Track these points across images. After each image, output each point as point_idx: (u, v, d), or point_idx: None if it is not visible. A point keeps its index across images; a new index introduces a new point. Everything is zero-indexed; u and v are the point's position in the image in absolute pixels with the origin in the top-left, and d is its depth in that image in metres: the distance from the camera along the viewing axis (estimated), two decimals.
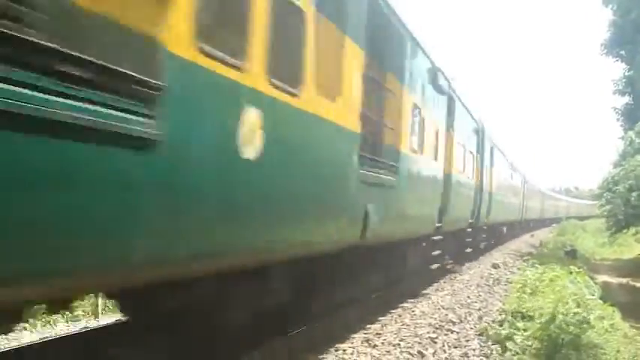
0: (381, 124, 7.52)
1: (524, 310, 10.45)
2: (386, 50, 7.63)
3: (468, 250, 17.88)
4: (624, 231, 21.18)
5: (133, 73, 3.09)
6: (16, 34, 2.47)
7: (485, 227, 20.38)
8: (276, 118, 4.59)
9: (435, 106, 10.88)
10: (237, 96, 4.11)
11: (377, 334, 8.12)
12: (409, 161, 8.90)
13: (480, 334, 8.82)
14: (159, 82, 3.26)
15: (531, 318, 10.04)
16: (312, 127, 5.40)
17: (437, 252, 12.48)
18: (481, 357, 7.76)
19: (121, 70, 3.01)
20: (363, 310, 9.39)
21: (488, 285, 13.88)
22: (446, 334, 8.35)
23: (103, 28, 2.92)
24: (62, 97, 2.67)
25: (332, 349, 7.26)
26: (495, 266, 17.47)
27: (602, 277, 22.40)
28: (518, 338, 8.51)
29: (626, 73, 28.77)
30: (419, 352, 7.12)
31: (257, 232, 4.51)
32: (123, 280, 3.45)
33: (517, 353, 8.01)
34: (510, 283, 14.73)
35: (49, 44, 2.61)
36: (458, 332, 8.66)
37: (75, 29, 2.77)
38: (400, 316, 9.51)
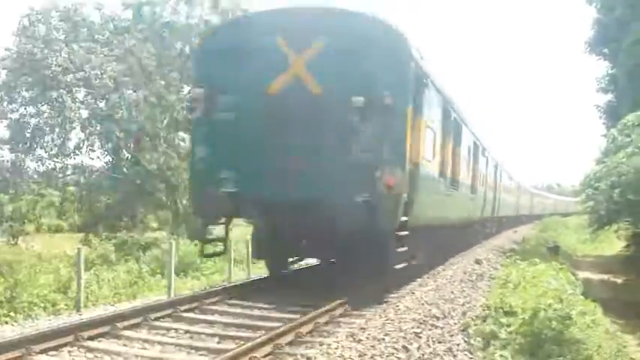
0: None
1: (507, 306, 10.62)
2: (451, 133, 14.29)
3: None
4: (606, 227, 21.57)
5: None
6: None
7: (495, 218, 30.18)
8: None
9: (478, 161, 19.62)
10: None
11: (361, 328, 8.23)
12: (481, 188, 21.05)
13: (463, 330, 8.98)
14: None
15: (514, 314, 10.25)
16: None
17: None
18: (465, 352, 7.91)
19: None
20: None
21: (472, 280, 14.11)
22: (430, 329, 8.48)
23: None
24: None
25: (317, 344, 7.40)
26: (478, 262, 17.70)
27: (584, 274, 22.88)
28: (502, 334, 8.68)
29: (609, 71, 29.25)
30: (403, 346, 7.24)
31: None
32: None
33: (500, 348, 8.18)
34: (493, 278, 14.96)
35: None
36: (442, 327, 8.81)
37: None
38: (385, 311, 9.63)
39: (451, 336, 8.55)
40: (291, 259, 12.22)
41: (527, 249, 25.02)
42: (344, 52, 9.04)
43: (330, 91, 9.11)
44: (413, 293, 11.57)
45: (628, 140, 17.11)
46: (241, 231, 41.72)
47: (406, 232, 10.00)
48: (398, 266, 10.30)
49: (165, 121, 29.32)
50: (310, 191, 9.03)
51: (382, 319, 8.94)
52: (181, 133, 31.58)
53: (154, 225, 32.41)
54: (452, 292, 11.96)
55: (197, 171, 10.09)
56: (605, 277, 23.50)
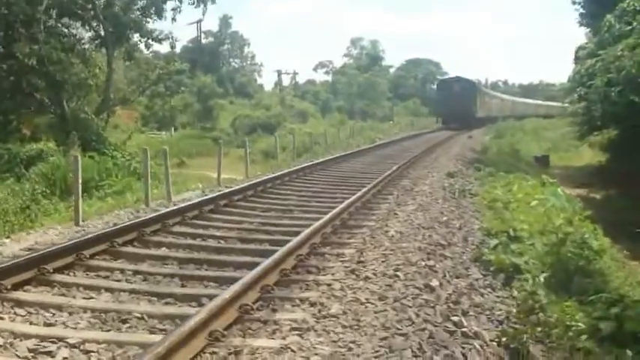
0: None
1: (511, 230, 10.43)
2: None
3: None
4: (594, 133, 21.89)
5: None
6: None
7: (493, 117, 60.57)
8: None
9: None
10: None
11: (358, 262, 7.69)
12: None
13: (475, 261, 8.64)
14: None
15: (520, 239, 10.06)
16: None
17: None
18: (488, 289, 7.56)
19: None
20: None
21: (454, 198, 13.91)
22: (441, 261, 8.06)
23: None
24: None
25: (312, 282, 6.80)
26: (451, 175, 17.72)
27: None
28: (522, 266, 8.38)
29: None
30: (426, 285, 6.76)
31: None
32: None
33: (527, 283, 7.86)
34: (475, 195, 14.87)
35: None
36: (451, 258, 8.41)
37: None
38: (374, 237, 9.13)
39: (466, 269, 8.17)
40: None
41: (492, 159, 25.39)
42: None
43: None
44: (396, 214, 11.17)
45: (628, 29, 16.86)
46: (144, 140, 40.16)
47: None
48: None
49: (45, 3, 26.93)
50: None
51: (379, 248, 8.43)
52: (67, 19, 29.33)
53: (29, 133, 30.35)
54: (441, 213, 11.65)
55: None
56: (581, 191, 24.04)
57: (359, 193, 12.62)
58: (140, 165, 24.55)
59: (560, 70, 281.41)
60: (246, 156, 21.69)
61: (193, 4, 32.05)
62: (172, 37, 31.82)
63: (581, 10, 32.16)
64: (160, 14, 29.94)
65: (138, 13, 30.39)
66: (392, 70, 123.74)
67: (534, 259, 8.87)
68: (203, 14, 33.16)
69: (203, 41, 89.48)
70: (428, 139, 38.62)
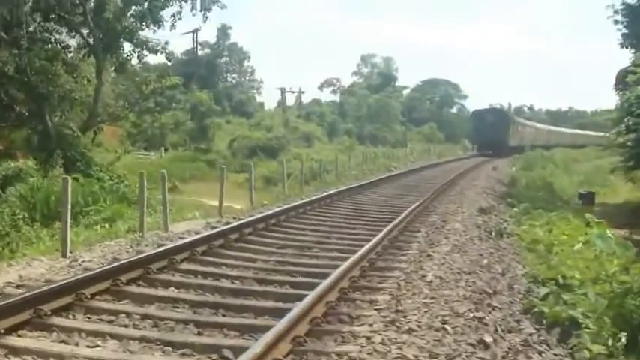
0: None
1: (558, 277, 10.28)
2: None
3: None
4: None
5: None
6: None
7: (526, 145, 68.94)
8: None
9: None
10: None
11: (397, 311, 7.49)
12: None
13: (526, 312, 8.46)
14: None
15: (569, 287, 9.87)
16: None
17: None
18: (544, 345, 7.37)
19: None
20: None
21: (491, 238, 13.81)
22: (490, 312, 7.87)
23: None
24: None
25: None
26: (484, 211, 17.79)
27: None
28: (581, 320, 8.17)
29: None
30: (480, 341, 6.56)
31: None
32: None
33: (587, 339, 7.64)
34: (512, 235, 14.80)
35: None
36: (500, 309, 8.21)
37: None
38: (409, 282, 8.94)
39: (517, 321, 7.98)
40: None
41: (524, 194, 25.34)
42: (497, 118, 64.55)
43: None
44: (430, 255, 10.99)
45: None
46: (131, 161, 40.12)
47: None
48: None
49: (29, 5, 26.98)
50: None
51: (418, 295, 8.23)
52: (53, 24, 29.32)
53: (2, 149, 30.21)
54: (480, 255, 11.48)
55: None
56: (622, 232, 23.79)
57: (384, 230, 12.44)
58: (129, 189, 24.62)
59: (592, 97, 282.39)
60: (250, 183, 21.59)
61: (195, 11, 32.02)
62: (168, 48, 31.82)
63: (624, 31, 32.27)
64: (157, 21, 29.93)
65: (132, 19, 30.32)
66: (406, 92, 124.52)
67: (589, 311, 8.68)
68: (204, 21, 33.04)
69: (199, 53, 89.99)
70: (449, 169, 38.58)
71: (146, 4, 29.87)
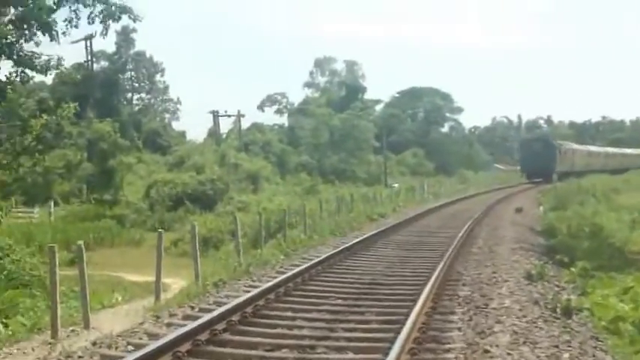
0: None
1: None
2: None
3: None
4: None
5: None
6: None
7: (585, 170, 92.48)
8: None
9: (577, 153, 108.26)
10: None
11: None
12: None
13: None
14: None
15: None
16: None
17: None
18: None
19: None
20: None
21: (558, 318, 13.64)
22: None
23: None
24: None
25: None
26: (531, 277, 17.95)
27: None
28: None
29: None
30: None
31: None
32: None
33: None
34: (582, 310, 14.61)
35: None
36: None
37: None
38: None
39: None
40: None
41: (571, 245, 25.37)
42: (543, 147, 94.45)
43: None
44: (487, 351, 10.70)
45: None
46: (7, 223, 39.35)
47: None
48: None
49: None
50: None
51: None
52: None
53: None
54: (555, 347, 11.26)
55: None
56: None
57: (411, 318, 12.15)
58: (18, 266, 23.89)
59: (632, 102, 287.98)
60: (195, 248, 20.87)
61: (94, 20, 31.53)
62: (64, 65, 31.32)
63: None
64: (47, 30, 29.41)
65: (10, 27, 29.70)
66: (379, 108, 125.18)
67: None
68: (104, 34, 32.43)
69: (94, 67, 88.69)
70: (457, 212, 38.80)
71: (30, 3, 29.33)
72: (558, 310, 14.23)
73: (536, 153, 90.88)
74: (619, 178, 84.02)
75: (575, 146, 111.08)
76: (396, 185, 71.81)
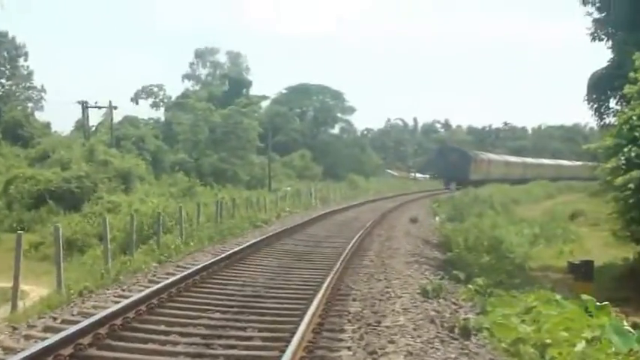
0: None
1: None
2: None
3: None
4: None
5: None
6: None
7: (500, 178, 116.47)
8: None
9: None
10: None
11: None
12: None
13: None
14: None
15: None
16: None
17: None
18: None
19: None
20: None
21: (456, 339, 13.90)
22: None
23: None
24: None
25: None
26: (427, 294, 18.06)
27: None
28: None
29: None
30: None
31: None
32: None
33: None
34: (481, 330, 14.76)
35: None
36: None
37: None
38: None
39: None
40: None
41: (468, 260, 25.71)
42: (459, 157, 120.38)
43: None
44: None
45: None
46: None
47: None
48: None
49: None
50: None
51: None
52: None
53: None
54: None
55: None
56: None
57: (297, 335, 12.24)
58: None
59: (537, 109, 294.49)
60: (58, 254, 20.39)
61: None
62: None
63: (597, 14, 33.39)
64: None
65: None
66: (265, 104, 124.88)
67: None
68: None
69: None
70: (347, 220, 39.15)
71: None
72: (456, 329, 14.34)
73: (452, 162, 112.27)
74: (520, 188, 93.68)
75: (492, 156, 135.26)
76: (289, 189, 71.75)
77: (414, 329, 14.01)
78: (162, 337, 13.02)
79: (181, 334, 13.30)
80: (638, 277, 27.68)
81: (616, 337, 13.55)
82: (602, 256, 34.19)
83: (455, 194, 66.58)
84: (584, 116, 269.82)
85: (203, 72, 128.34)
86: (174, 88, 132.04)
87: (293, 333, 12.33)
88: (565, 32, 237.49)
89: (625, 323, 14.75)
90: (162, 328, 13.77)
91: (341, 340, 13.07)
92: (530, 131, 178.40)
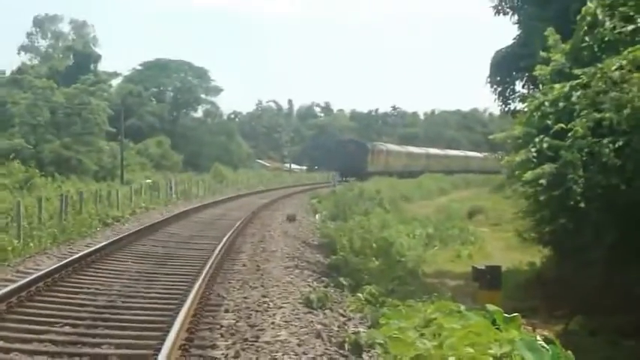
0: None
1: None
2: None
3: None
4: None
5: None
6: None
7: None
8: None
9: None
10: None
11: None
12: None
13: None
14: None
15: None
16: None
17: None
18: None
19: None
20: None
21: (345, 355, 14.19)
22: None
23: None
24: None
25: None
26: (311, 303, 18.22)
27: None
28: None
29: None
30: None
31: None
32: None
33: None
34: (373, 346, 14.89)
35: None
36: None
37: None
38: None
39: None
40: None
41: (356, 265, 25.87)
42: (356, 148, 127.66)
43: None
44: None
45: (631, 28, 17.84)
46: None
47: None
48: None
49: None
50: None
51: None
52: None
53: None
54: None
55: None
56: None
57: (163, 352, 12.24)
58: None
59: (426, 94, 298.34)
60: None
61: None
62: None
63: None
64: None
65: None
66: (116, 82, 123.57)
67: None
68: None
69: None
70: (215, 218, 39.39)
71: None
72: (346, 345, 14.40)
73: (349, 153, 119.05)
74: (411, 182, 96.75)
75: (391, 147, 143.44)
76: (149, 181, 71.11)
77: (299, 345, 14.08)
78: (1, 356, 12.75)
79: (24, 352, 13.04)
80: (545, 285, 28.13)
81: (529, 354, 13.58)
82: (505, 261, 34.73)
83: (337, 189, 64.98)
84: (484, 101, 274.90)
85: (43, 43, 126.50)
86: (9, 62, 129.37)
87: (158, 349, 12.24)
88: (465, 4, 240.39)
89: (538, 338, 14.79)
90: (1, 344, 13.47)
91: (214, 358, 13.10)
92: (422, 117, 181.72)
